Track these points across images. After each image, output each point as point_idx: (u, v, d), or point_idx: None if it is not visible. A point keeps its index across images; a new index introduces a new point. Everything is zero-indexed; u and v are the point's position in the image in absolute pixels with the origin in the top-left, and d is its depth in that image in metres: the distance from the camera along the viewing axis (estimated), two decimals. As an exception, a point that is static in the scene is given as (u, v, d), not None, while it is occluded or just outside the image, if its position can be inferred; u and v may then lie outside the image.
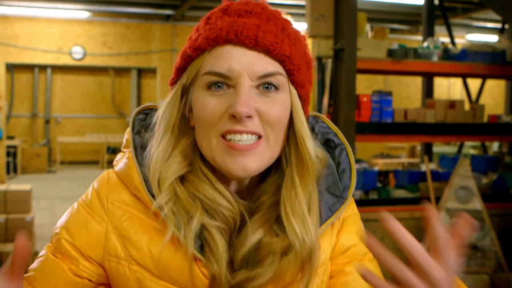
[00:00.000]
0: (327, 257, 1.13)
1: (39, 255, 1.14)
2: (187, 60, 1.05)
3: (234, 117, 0.99)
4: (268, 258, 1.02)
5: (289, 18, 1.12)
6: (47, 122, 15.98)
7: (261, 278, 1.01)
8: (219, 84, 1.01)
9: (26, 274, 1.12)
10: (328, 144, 1.18)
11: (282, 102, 1.03)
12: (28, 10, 13.63)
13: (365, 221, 4.59)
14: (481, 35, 14.85)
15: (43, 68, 15.62)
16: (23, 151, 14.74)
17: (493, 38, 14.47)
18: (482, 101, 7.83)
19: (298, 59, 1.04)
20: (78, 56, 15.24)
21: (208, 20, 1.05)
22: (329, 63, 5.35)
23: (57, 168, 15.23)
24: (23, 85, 15.77)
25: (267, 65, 1.01)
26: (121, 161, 1.13)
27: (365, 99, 5.43)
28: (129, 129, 1.14)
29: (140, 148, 1.11)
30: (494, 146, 9.70)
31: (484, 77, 7.51)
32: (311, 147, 1.06)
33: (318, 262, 1.06)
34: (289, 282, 1.05)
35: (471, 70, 6.02)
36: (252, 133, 1.01)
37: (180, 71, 1.07)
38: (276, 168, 1.10)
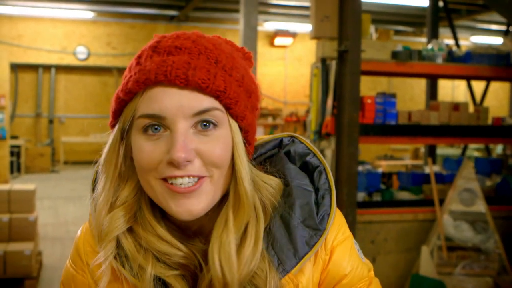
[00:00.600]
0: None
1: None
2: (122, 104, 1.00)
3: (172, 164, 0.95)
4: None
5: (228, 39, 1.08)
6: (51, 122, 16.00)
7: None
8: (155, 127, 0.97)
9: None
10: (306, 167, 1.12)
11: (222, 139, 0.99)
12: (32, 10, 13.65)
13: (368, 223, 4.61)
14: (485, 37, 14.83)
15: (47, 68, 15.65)
16: (27, 150, 14.76)
17: (497, 40, 14.46)
18: (486, 103, 7.82)
19: (234, 91, 0.99)
20: (82, 56, 15.26)
21: (139, 60, 1.00)
22: (333, 65, 5.35)
23: (61, 168, 15.25)
24: (27, 84, 15.79)
25: (202, 101, 0.96)
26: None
27: (369, 100, 5.43)
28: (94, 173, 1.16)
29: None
30: (498, 149, 9.68)
31: (488, 79, 7.50)
32: (249, 184, 1.01)
33: None
34: None
35: (476, 72, 6.01)
36: (193, 176, 0.97)
37: (117, 114, 1.03)
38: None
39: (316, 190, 1.09)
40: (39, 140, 15.95)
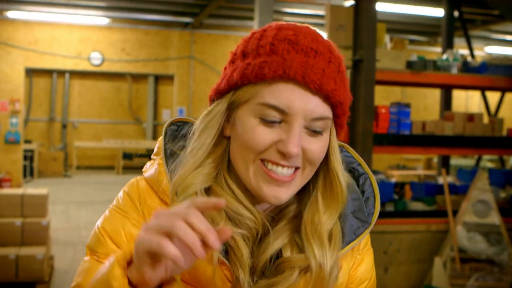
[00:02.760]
0: (345, 279, 1.19)
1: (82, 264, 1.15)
2: (244, 83, 1.05)
3: (282, 153, 1.03)
4: (287, 272, 1.07)
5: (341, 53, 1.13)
6: (64, 126, 16.07)
7: (275, 287, 1.06)
8: (274, 119, 1.03)
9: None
10: (352, 173, 1.23)
11: (324, 142, 1.07)
12: (48, 16, 13.75)
13: (381, 233, 4.58)
14: (500, 47, 14.77)
15: (61, 73, 15.74)
16: (40, 155, 14.83)
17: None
18: (501, 114, 7.77)
19: (347, 104, 1.09)
20: (97, 62, 15.34)
21: (272, 47, 1.04)
22: (347, 74, 5.34)
23: (73, 173, 15.31)
24: (42, 89, 15.89)
25: (324, 110, 1.04)
26: (151, 168, 1.18)
27: (383, 110, 5.41)
28: (161, 138, 1.18)
29: (170, 156, 1.15)
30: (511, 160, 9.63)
31: (503, 90, 7.46)
32: (343, 180, 1.12)
33: (336, 282, 1.11)
34: None
35: (491, 83, 5.98)
36: (294, 167, 1.05)
37: (223, 91, 1.09)
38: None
39: (362, 192, 1.20)
40: (52, 144, 16.02)
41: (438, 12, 9.81)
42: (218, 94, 1.11)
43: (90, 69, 15.39)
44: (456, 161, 10.61)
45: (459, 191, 5.91)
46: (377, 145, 5.25)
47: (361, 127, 5.09)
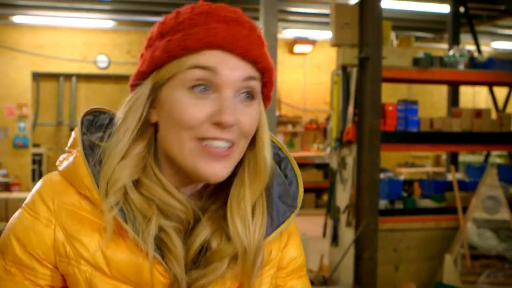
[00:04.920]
0: (275, 262, 1.19)
1: None
2: (169, 58, 1.02)
3: (218, 125, 1.00)
4: (215, 263, 1.05)
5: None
6: (71, 130, 16.12)
7: (206, 278, 1.04)
8: (204, 87, 1.00)
9: None
10: (274, 158, 1.20)
11: (256, 111, 1.06)
12: (53, 20, 13.78)
13: (390, 231, 4.58)
14: (507, 42, 14.71)
15: (68, 76, 15.77)
16: (48, 158, 14.87)
17: (519, 46, 14.33)
18: (509, 109, 7.73)
19: (273, 71, 1.08)
20: (103, 64, 15.37)
21: (192, 21, 1.02)
22: (354, 72, 5.33)
23: (82, 176, 15.36)
24: (48, 93, 15.92)
25: (251, 71, 1.03)
26: (65, 161, 1.11)
27: (390, 108, 5.40)
28: (76, 128, 1.13)
29: (88, 148, 1.08)
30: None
31: (511, 86, 7.43)
32: (268, 153, 1.10)
33: (264, 264, 1.12)
34: (232, 284, 1.09)
35: (498, 79, 5.97)
36: (230, 141, 1.02)
37: (146, 74, 1.06)
38: None
39: (285, 176, 1.19)
40: (60, 148, 16.06)
41: (444, 8, 9.77)
42: (140, 79, 1.07)
43: (96, 72, 15.41)
44: (465, 157, 10.57)
45: (468, 187, 5.89)
46: (385, 142, 5.24)
47: (368, 124, 5.07)
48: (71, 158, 1.09)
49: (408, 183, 6.35)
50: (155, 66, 1.04)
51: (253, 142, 1.09)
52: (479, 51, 7.82)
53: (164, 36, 1.04)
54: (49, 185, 1.08)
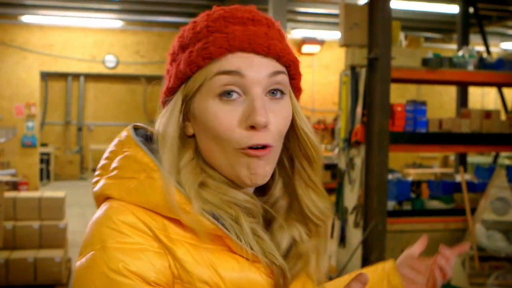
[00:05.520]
0: None
1: None
2: (193, 70, 1.02)
3: (252, 128, 0.99)
4: (305, 256, 1.06)
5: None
6: (79, 129, 16.16)
7: (299, 267, 1.05)
8: (230, 92, 0.99)
9: None
10: None
11: (288, 107, 1.05)
12: (62, 20, 13.82)
13: (399, 232, 4.54)
14: (516, 43, 14.66)
15: (76, 76, 15.82)
16: (56, 158, 14.93)
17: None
18: (518, 111, 7.70)
19: (298, 63, 1.08)
20: (111, 64, 15.39)
21: (209, 28, 1.02)
22: (362, 72, 5.32)
23: (89, 175, 15.38)
24: (57, 93, 15.97)
25: (276, 66, 1.02)
26: (121, 186, 1.00)
27: (399, 108, 5.38)
28: (137, 148, 1.03)
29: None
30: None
31: (520, 87, 7.40)
32: (315, 139, 1.10)
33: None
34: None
35: (508, 79, 5.94)
36: (266, 140, 1.01)
37: (174, 89, 1.05)
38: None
39: None
40: (68, 147, 16.11)
41: (453, 9, 9.74)
42: (169, 95, 1.06)
43: (104, 72, 15.45)
44: (473, 158, 10.54)
45: (477, 189, 5.87)
46: (394, 143, 5.22)
47: (377, 125, 5.06)
48: (141, 181, 0.99)
49: (416, 184, 6.34)
50: (182, 80, 1.04)
51: (295, 135, 1.08)
52: (488, 51, 7.80)
53: (185, 48, 1.04)
54: (127, 212, 0.97)
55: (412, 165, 13.14)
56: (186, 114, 1.05)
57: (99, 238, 0.95)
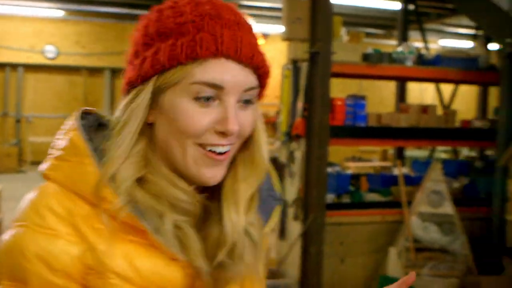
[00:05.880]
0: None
1: None
2: (173, 64, 1.00)
3: (222, 133, 1.01)
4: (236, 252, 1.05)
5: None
6: (18, 121, 15.76)
7: (231, 272, 1.05)
8: (209, 97, 1.01)
9: None
10: None
11: (253, 113, 1.07)
12: (1, 8, 13.45)
13: (338, 225, 4.62)
14: (454, 40, 15.01)
15: (14, 66, 15.42)
16: (-7, 149, 14.53)
17: (465, 44, 14.62)
18: (454, 106, 7.90)
19: (269, 76, 1.10)
20: (51, 55, 15.08)
21: (195, 24, 1.00)
22: (304, 67, 5.36)
23: (28, 168, 15.04)
24: (-6, 83, 15.55)
25: (253, 79, 1.04)
26: (58, 168, 1.02)
27: (339, 102, 5.45)
28: (76, 130, 1.04)
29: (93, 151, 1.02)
30: (465, 150, 9.79)
31: (457, 83, 7.58)
32: (266, 153, 1.12)
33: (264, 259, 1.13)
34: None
35: (445, 76, 6.07)
36: (230, 145, 1.05)
37: (156, 72, 1.02)
38: None
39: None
40: (6, 140, 15.71)
41: (395, 5, 9.91)
42: (139, 81, 1.03)
43: (44, 62, 15.12)
44: (412, 152, 10.75)
45: (414, 182, 5.99)
46: (334, 137, 5.28)
47: (318, 119, 5.11)
48: (71, 164, 1.01)
49: (356, 177, 6.44)
50: (157, 71, 1.02)
51: (249, 142, 1.10)
52: (427, 48, 7.97)
53: (165, 37, 1.02)
54: (53, 196, 0.99)
55: (352, 159, 13.32)
56: (152, 102, 1.04)
57: (21, 218, 1.00)
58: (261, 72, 1.06)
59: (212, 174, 1.04)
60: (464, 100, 16.40)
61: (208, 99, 1.00)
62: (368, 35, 14.41)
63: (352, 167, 10.57)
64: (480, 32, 8.47)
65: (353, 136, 5.54)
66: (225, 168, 1.06)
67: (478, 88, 8.52)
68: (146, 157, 1.05)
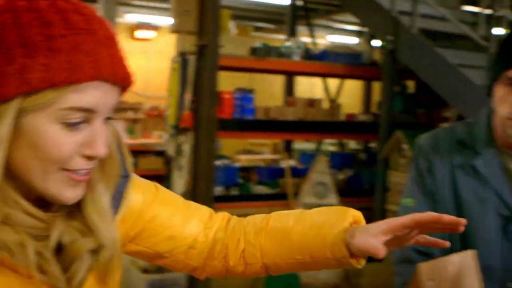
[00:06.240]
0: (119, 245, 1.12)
1: None
2: (43, 87, 0.88)
3: (89, 157, 0.95)
4: (78, 258, 1.01)
5: None
6: None
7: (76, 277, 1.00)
8: (77, 123, 0.92)
9: None
10: None
11: (110, 128, 1.03)
12: None
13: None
14: (341, 36, 15.44)
15: None
16: None
17: (351, 40, 15.08)
18: (341, 100, 8.12)
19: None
20: None
21: (68, 41, 0.90)
22: (192, 59, 5.34)
23: None
24: None
25: (118, 96, 0.99)
26: None
27: (227, 96, 5.48)
28: None
29: None
30: (352, 143, 10.09)
31: (342, 77, 7.81)
32: (118, 161, 1.09)
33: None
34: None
35: (331, 70, 6.24)
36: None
37: (22, 92, 0.89)
38: None
39: None
40: None
41: (284, 0, 10.06)
42: None
43: None
44: (301, 145, 10.96)
45: (301, 174, 6.12)
46: (222, 130, 5.30)
47: (205, 112, 5.11)
48: None
49: (246, 170, 6.50)
50: (23, 91, 0.88)
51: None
52: (314, 43, 8.14)
53: (33, 52, 0.88)
54: None
55: (243, 152, 13.43)
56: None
57: None
58: (127, 88, 1.01)
59: (74, 195, 0.98)
60: (350, 94, 16.92)
61: (77, 124, 0.93)
62: (257, 29, 14.54)
63: (242, 160, 10.65)
64: (365, 29, 8.76)
65: (241, 129, 5.58)
66: (85, 185, 1.00)
67: (363, 83, 8.81)
68: (4, 192, 0.94)
